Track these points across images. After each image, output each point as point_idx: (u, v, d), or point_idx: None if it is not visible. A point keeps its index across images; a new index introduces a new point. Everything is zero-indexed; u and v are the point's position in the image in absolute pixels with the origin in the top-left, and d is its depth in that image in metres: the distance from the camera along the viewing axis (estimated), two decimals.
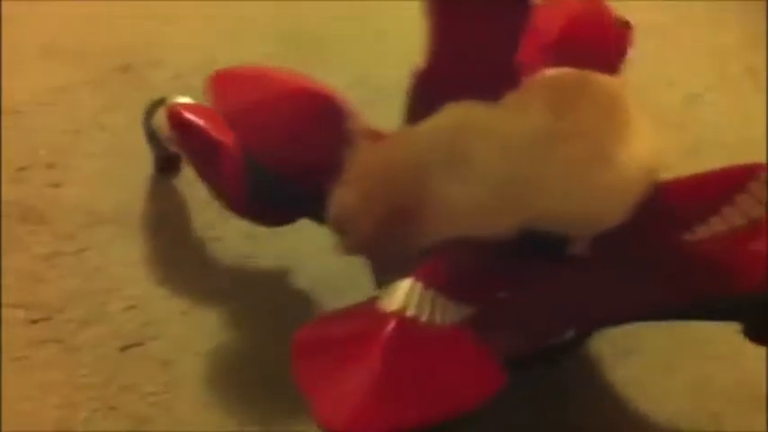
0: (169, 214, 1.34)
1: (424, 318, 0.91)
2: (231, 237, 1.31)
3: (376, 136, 0.96)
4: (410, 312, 0.91)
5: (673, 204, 1.00)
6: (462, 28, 1.01)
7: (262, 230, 1.31)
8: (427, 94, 1.01)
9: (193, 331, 1.20)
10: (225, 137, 1.14)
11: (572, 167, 0.92)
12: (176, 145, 1.27)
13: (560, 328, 1.00)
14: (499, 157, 0.91)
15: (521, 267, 0.97)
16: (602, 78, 0.97)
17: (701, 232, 0.97)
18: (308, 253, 1.28)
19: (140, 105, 1.41)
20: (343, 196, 0.92)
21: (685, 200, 1.01)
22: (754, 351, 1.16)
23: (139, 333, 1.19)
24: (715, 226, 0.97)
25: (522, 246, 0.94)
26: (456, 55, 1.02)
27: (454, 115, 0.94)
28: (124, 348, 1.17)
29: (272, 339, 1.18)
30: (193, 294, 1.24)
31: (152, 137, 1.33)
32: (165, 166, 1.35)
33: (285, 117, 1.10)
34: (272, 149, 1.09)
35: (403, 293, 0.92)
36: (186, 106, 1.21)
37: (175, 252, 1.30)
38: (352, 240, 0.92)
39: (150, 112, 1.31)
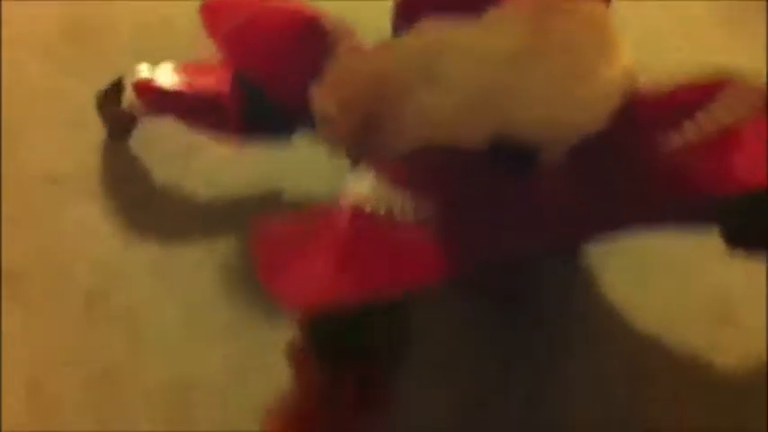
0: (128, 173, 1.33)
1: (383, 212, 0.92)
2: (195, 188, 1.30)
3: (360, 49, 0.98)
4: (370, 206, 0.92)
5: (646, 115, 1.01)
6: None
7: (228, 180, 1.30)
8: (410, 11, 1.01)
9: (160, 284, 1.18)
10: (203, 82, 1.20)
11: (548, 81, 0.94)
12: (154, 113, 1.29)
13: (531, 239, 0.99)
14: (475, 69, 0.93)
15: (490, 178, 0.97)
16: None
17: (675, 141, 0.98)
18: (271, 200, 1.28)
19: (95, 69, 1.40)
20: (322, 98, 0.96)
21: (659, 110, 1.01)
22: (723, 266, 1.16)
23: (105, 288, 1.18)
24: (688, 134, 0.98)
25: (494, 157, 0.96)
26: None
27: (433, 31, 0.96)
28: (90, 303, 1.16)
29: (240, 285, 1.17)
30: (158, 248, 1.23)
31: (108, 116, 1.34)
32: (119, 132, 1.35)
33: (274, 37, 1.13)
34: (264, 69, 1.12)
35: (365, 188, 0.93)
36: (151, 78, 1.26)
37: (137, 209, 1.28)
38: (331, 139, 0.95)
39: (109, 97, 1.32)
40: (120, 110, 1.31)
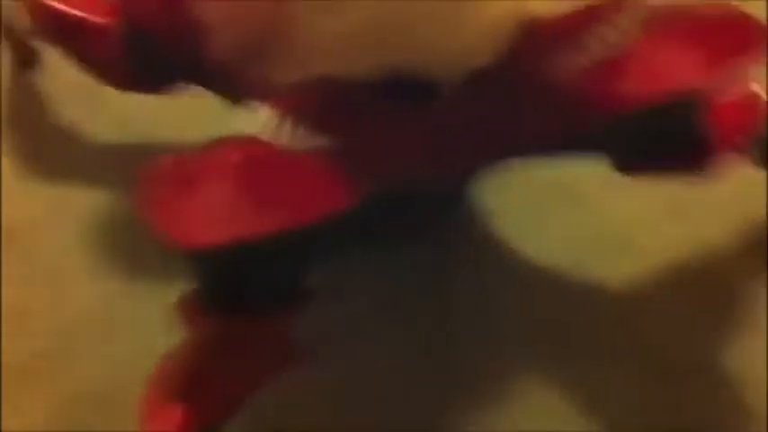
0: (31, 109, 1.32)
1: (277, 142, 0.91)
2: (101, 129, 1.30)
3: None
4: (264, 137, 0.91)
5: (542, 41, 1.00)
6: None
7: (139, 128, 1.30)
8: None
9: (60, 222, 1.20)
10: (93, 13, 1.13)
11: (435, 8, 0.92)
12: (43, 36, 1.24)
13: (429, 166, 0.99)
14: None
15: (386, 109, 0.97)
16: None
17: (567, 64, 0.98)
18: (177, 144, 1.27)
19: None
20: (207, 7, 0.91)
21: (553, 35, 1.00)
22: (619, 197, 1.22)
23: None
24: (579, 57, 0.98)
25: (389, 88, 0.94)
26: None
27: None
28: None
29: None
30: (63, 187, 1.24)
31: (8, 33, 1.31)
32: (24, 60, 1.33)
33: None
34: (145, 9, 1.08)
35: (258, 119, 0.92)
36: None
37: (38, 146, 1.28)
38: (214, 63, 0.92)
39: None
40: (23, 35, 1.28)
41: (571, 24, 1.02)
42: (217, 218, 0.87)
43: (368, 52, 0.93)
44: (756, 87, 1.08)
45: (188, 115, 1.28)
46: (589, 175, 1.18)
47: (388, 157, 0.96)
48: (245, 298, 0.92)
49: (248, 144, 0.91)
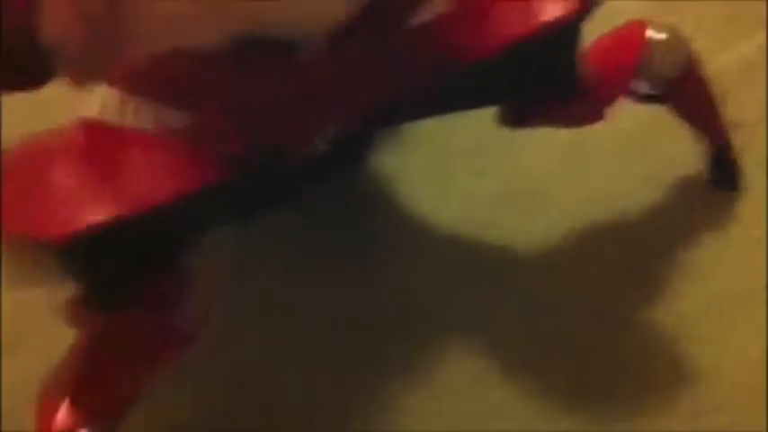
0: None
1: (125, 123, 0.89)
2: None
3: None
4: (109, 117, 0.89)
5: None
6: None
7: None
8: None
9: None
10: None
11: None
12: None
13: (300, 132, 0.97)
14: None
15: (246, 72, 0.93)
16: None
17: (425, 14, 0.96)
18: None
19: None
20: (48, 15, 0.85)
21: None
22: (525, 155, 1.21)
23: None
24: (436, 6, 0.97)
25: (247, 52, 0.91)
26: None
27: None
28: None
29: None
30: None
31: None
32: None
33: None
34: None
35: (102, 99, 0.90)
36: None
37: None
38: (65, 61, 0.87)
39: None
40: None
41: None
42: (67, 208, 0.84)
43: (208, 23, 0.88)
44: (643, 24, 1.09)
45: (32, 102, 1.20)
46: (491, 135, 1.18)
47: (255, 119, 0.93)
48: (118, 290, 0.90)
49: (93, 128, 0.88)
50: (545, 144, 1.22)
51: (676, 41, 1.08)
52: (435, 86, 0.97)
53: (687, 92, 1.11)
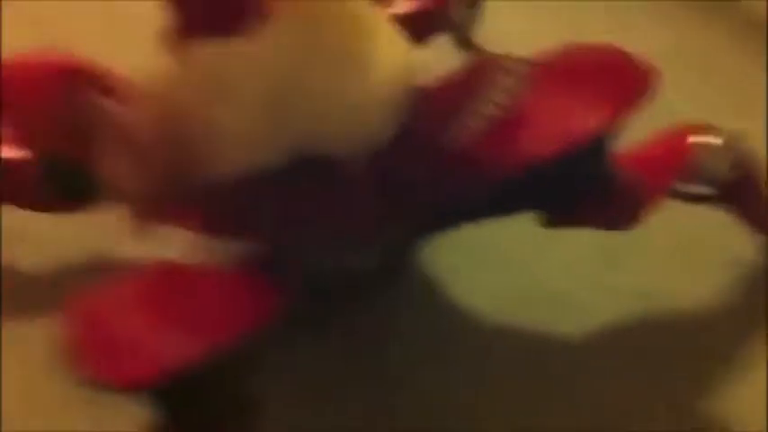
0: None
1: (189, 261, 0.91)
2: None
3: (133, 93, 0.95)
4: (173, 257, 0.91)
5: (429, 110, 1.01)
6: None
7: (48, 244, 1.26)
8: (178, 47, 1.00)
9: None
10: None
11: (329, 86, 0.94)
12: None
13: (348, 249, 1.00)
14: (259, 81, 0.93)
15: (293, 197, 0.97)
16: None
17: (460, 128, 0.99)
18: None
19: None
20: (110, 160, 0.92)
21: (441, 102, 1.02)
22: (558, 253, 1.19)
23: None
24: (470, 121, 0.99)
25: (293, 174, 0.95)
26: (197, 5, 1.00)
27: (208, 51, 0.94)
28: None
29: None
30: None
31: None
32: None
33: (40, 100, 1.08)
34: (47, 138, 1.08)
35: (166, 240, 0.93)
36: None
37: None
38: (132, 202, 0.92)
39: None
40: None
41: (455, 89, 1.03)
42: (141, 352, 0.85)
43: (274, 135, 0.94)
44: (687, 131, 1.09)
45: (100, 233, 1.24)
46: (520, 233, 1.15)
47: (307, 242, 0.96)
48: (193, 425, 0.92)
49: (161, 269, 0.90)
50: (583, 238, 1.18)
51: (728, 144, 1.07)
52: (468, 200, 0.99)
53: (741, 193, 1.10)
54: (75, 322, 0.88)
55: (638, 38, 1.17)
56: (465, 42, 1.49)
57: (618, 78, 1.01)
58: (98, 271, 1.24)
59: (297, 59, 0.94)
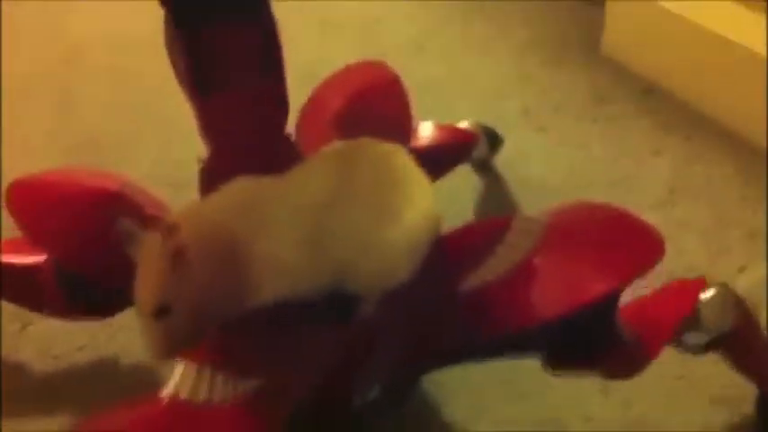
0: None
1: (200, 398, 0.92)
2: (32, 360, 1.29)
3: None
4: (183, 395, 0.92)
5: (447, 258, 1.05)
6: (227, 118, 1.04)
7: (62, 350, 1.30)
8: (215, 183, 1.02)
9: None
10: (23, 258, 1.18)
11: (360, 226, 0.97)
12: None
13: (357, 388, 1.03)
14: (295, 218, 0.95)
15: (308, 334, 0.99)
16: (381, 143, 1.03)
17: (474, 281, 1.03)
18: (112, 365, 1.29)
19: None
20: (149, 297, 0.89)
21: (457, 252, 1.06)
22: (560, 385, 1.21)
23: None
24: (484, 274, 1.03)
25: (313, 311, 0.97)
26: (231, 144, 1.05)
27: (243, 187, 0.96)
28: None
29: None
30: None
31: None
32: None
33: (77, 218, 1.12)
34: (72, 254, 1.11)
35: (177, 375, 0.93)
36: None
37: None
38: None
39: None
40: None
41: (471, 242, 1.08)
42: None
43: (316, 266, 0.96)
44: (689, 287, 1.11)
45: (111, 333, 1.30)
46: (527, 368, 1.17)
47: (314, 382, 0.97)
48: None
49: (170, 404, 0.91)
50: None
51: (725, 298, 1.09)
52: (477, 345, 1.02)
53: (737, 344, 1.11)
54: None
55: None
56: (484, 170, 1.55)
57: (627, 242, 1.04)
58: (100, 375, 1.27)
59: (334, 199, 0.96)
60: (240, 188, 0.97)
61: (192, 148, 1.53)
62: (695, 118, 1.61)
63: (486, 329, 1.00)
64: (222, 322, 0.94)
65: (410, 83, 1.30)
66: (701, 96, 1.61)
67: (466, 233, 1.09)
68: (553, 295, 1.00)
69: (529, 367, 1.16)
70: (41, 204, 1.15)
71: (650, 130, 1.61)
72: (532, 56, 1.80)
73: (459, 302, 1.01)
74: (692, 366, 1.22)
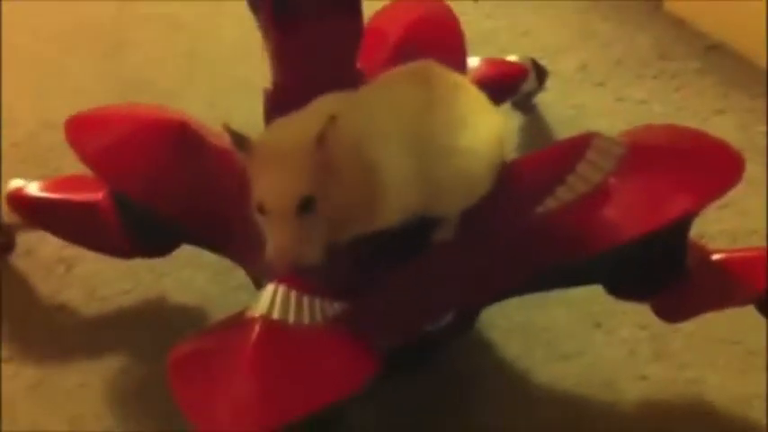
0: (9, 290, 1.31)
1: (290, 319, 0.92)
2: (77, 302, 1.29)
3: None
4: (275, 315, 0.92)
5: (521, 180, 1.05)
6: (301, 46, 1.03)
7: (108, 292, 1.30)
8: (284, 112, 1.02)
9: (44, 407, 1.17)
10: (82, 195, 1.20)
11: (444, 137, 0.97)
12: (31, 226, 1.28)
13: (435, 313, 1.03)
14: (400, 127, 0.96)
15: (389, 259, 1.00)
16: (448, 72, 1.04)
17: (551, 203, 1.01)
18: (157, 308, 1.28)
19: None
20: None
21: (532, 175, 1.05)
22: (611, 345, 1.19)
23: None
24: (563, 195, 1.02)
25: (393, 236, 0.97)
26: (301, 71, 1.04)
27: (337, 99, 0.97)
28: None
29: (131, 405, 1.16)
30: (44, 366, 1.21)
31: None
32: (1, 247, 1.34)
33: (143, 150, 1.12)
34: (139, 184, 1.11)
35: (267, 298, 0.94)
36: (27, 190, 1.25)
37: (21, 328, 1.27)
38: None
39: None
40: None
41: (549, 163, 1.06)
42: (243, 411, 0.87)
43: (415, 186, 0.96)
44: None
45: (156, 277, 1.30)
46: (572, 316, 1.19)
47: (396, 306, 0.99)
48: None
49: (264, 326, 0.91)
50: (630, 329, 1.20)
51: None
52: (551, 269, 1.02)
53: None
54: (179, 375, 0.91)
55: None
56: (527, 108, 1.53)
57: (706, 162, 1.02)
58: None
59: (419, 110, 0.97)
60: (334, 101, 0.96)
61: (241, 95, 1.54)
62: (760, 76, 1.56)
63: (564, 252, 1.00)
64: (349, 241, 0.94)
65: (466, 35, 1.27)
66: (766, 54, 1.56)
67: (541, 156, 1.08)
68: (633, 216, 0.99)
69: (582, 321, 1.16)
70: (105, 137, 1.14)
71: (713, 87, 1.56)
72: (594, 11, 1.75)
73: (535, 225, 1.00)
74: (746, 332, 1.19)
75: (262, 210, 0.89)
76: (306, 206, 0.88)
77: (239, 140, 0.90)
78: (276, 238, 0.88)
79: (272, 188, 0.88)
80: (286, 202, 0.87)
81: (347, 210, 0.91)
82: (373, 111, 0.96)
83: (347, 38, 1.04)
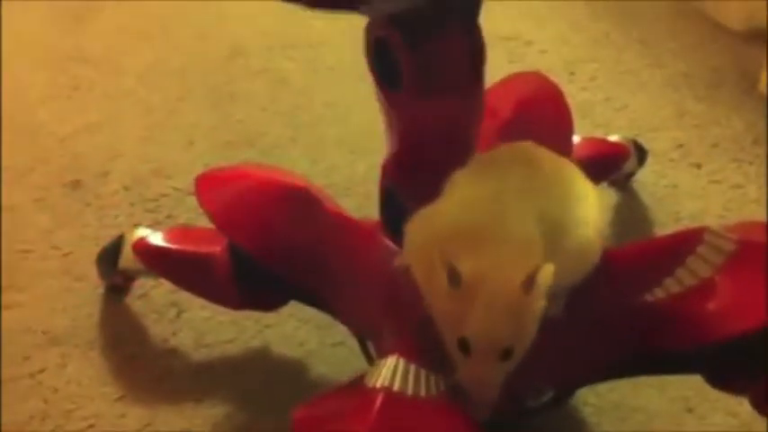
0: (123, 331, 1.36)
1: (409, 391, 0.96)
2: (186, 347, 1.33)
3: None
4: (396, 387, 0.96)
5: (626, 268, 1.08)
6: (422, 117, 1.07)
7: (215, 339, 1.34)
8: (400, 180, 1.09)
9: None
10: (201, 247, 1.25)
11: (554, 211, 0.99)
12: (152, 273, 1.33)
13: (538, 389, 1.06)
14: (529, 204, 0.98)
15: None
16: (548, 150, 1.06)
17: (659, 293, 1.05)
18: (261, 359, 1.32)
19: (90, 221, 1.47)
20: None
21: (639, 262, 1.09)
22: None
23: None
24: (670, 287, 1.05)
25: None
26: (420, 143, 1.08)
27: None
28: None
29: None
30: (152, 408, 1.26)
31: (105, 273, 1.38)
32: (116, 287, 1.40)
33: (265, 209, 1.18)
34: (257, 240, 1.17)
35: (388, 369, 0.98)
36: (150, 239, 1.31)
37: (131, 368, 1.32)
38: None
39: (110, 255, 1.36)
40: (118, 268, 1.35)
41: (657, 254, 1.09)
42: None
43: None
44: None
45: (260, 328, 1.34)
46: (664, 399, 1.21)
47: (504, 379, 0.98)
48: None
49: (385, 396, 0.94)
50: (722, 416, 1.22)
51: None
52: (656, 357, 1.04)
53: None
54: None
55: None
56: (623, 186, 1.55)
57: None
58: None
59: (544, 190, 1.00)
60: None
61: (342, 154, 1.58)
62: None
63: (670, 340, 1.02)
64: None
65: None
66: None
67: (651, 245, 1.12)
68: (738, 312, 1.01)
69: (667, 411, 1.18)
70: (230, 194, 1.21)
71: None
72: (687, 90, 1.79)
73: (643, 311, 1.03)
74: None
75: (464, 346, 0.92)
76: (506, 355, 0.92)
77: (455, 277, 0.92)
78: (476, 375, 0.93)
79: (479, 331, 0.91)
80: (492, 348, 0.92)
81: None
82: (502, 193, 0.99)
83: (469, 112, 1.08)
